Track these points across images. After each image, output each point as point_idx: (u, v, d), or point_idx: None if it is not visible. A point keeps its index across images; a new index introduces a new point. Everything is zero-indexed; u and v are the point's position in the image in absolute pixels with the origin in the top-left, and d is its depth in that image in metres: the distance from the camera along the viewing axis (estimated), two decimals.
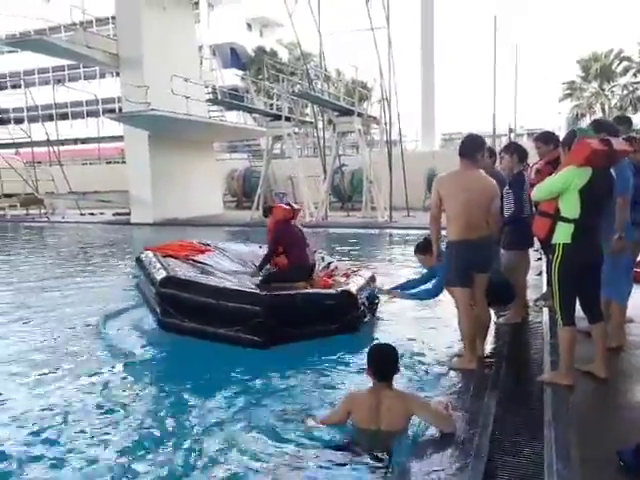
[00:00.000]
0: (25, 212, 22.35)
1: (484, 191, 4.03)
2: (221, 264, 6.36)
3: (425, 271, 5.01)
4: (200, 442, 3.26)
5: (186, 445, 3.24)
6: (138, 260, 6.28)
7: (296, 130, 18.58)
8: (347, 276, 5.97)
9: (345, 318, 5.10)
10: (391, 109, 16.66)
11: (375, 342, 3.45)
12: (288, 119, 17.74)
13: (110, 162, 30.12)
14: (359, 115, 16.63)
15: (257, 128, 20.61)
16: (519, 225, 4.84)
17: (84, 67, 38.03)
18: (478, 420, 3.23)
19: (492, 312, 5.07)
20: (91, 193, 20.65)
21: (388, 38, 16.19)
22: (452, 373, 4.12)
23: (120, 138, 21.06)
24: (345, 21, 24.70)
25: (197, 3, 29.33)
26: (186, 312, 4.99)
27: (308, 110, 21.84)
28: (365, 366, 3.29)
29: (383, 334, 5.21)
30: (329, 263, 6.71)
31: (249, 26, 43.11)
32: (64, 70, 40.26)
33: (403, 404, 3.14)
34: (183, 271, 5.58)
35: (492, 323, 5.02)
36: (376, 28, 16.21)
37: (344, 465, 2.93)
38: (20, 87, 30.25)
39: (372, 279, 6.13)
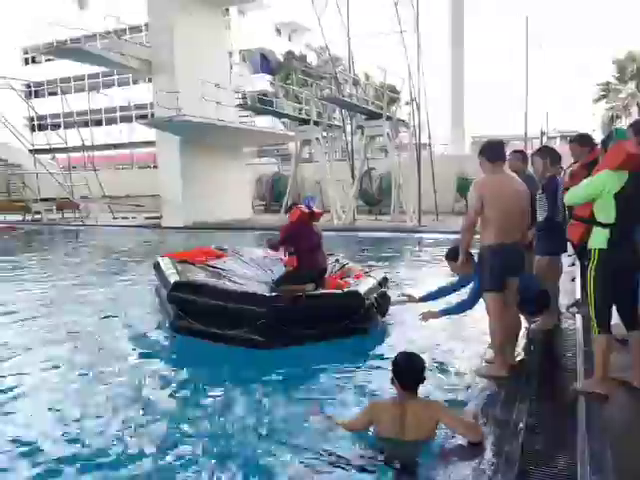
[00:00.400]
0: (61, 216, 22.95)
1: (519, 195, 4.02)
2: (235, 268, 6.50)
3: (455, 279, 4.91)
4: (218, 444, 3.29)
5: (204, 446, 3.28)
6: (155, 265, 6.44)
7: (324, 134, 18.62)
8: (358, 277, 5.96)
9: (351, 319, 5.11)
10: (420, 112, 16.56)
11: (401, 350, 3.39)
12: (317, 123, 17.81)
13: (142, 167, 30.70)
14: (388, 119, 16.57)
15: (286, 133, 20.73)
16: (552, 230, 4.74)
17: (118, 74, 38.94)
18: (508, 429, 3.17)
19: (523, 318, 4.97)
20: (124, 197, 21.12)
21: (417, 40, 16.13)
22: (481, 380, 4.04)
23: (152, 143, 21.47)
24: (374, 24, 24.69)
25: (228, 10, 29.73)
26: (195, 314, 5.19)
27: (337, 114, 21.86)
28: (390, 373, 3.23)
29: (404, 339, 5.18)
30: (343, 265, 6.68)
31: (278, 31, 43.48)
32: (99, 77, 41.29)
33: (429, 412, 3.10)
34: (194, 276, 5.72)
35: (523, 330, 4.94)
36: (405, 31, 16.17)
37: (369, 473, 2.90)
38: (57, 94, 31.12)
39: (384, 281, 6.08)
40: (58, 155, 27.34)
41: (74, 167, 24.33)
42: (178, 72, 17.30)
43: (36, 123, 32.73)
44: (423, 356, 3.37)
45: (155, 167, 22.08)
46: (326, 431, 3.33)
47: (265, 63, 38.32)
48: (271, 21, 41.46)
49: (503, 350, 4.09)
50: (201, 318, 5.16)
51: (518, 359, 4.34)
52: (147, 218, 20.37)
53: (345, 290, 5.40)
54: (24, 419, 3.77)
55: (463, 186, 18.70)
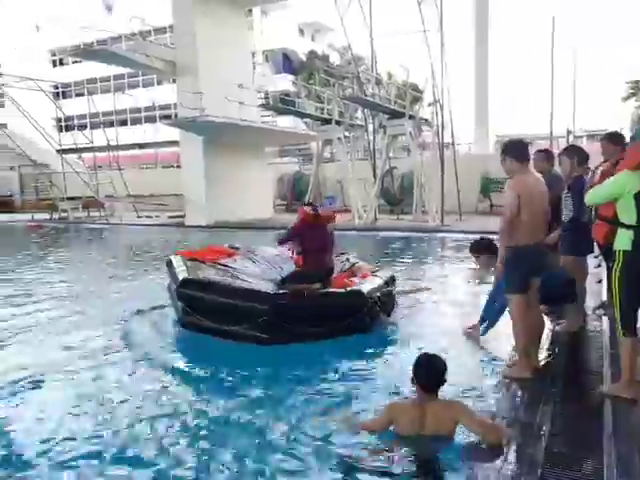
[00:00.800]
0: (86, 214, 23.37)
1: (544, 196, 4.02)
2: (245, 266, 6.59)
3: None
4: (236, 443, 3.30)
5: (224, 444, 3.29)
6: (168, 263, 6.56)
7: (346, 134, 18.60)
8: (364, 277, 5.95)
9: (353, 317, 5.10)
10: (443, 111, 16.42)
11: (423, 352, 3.38)
12: (338, 123, 17.80)
13: (166, 167, 31.08)
14: (410, 118, 16.47)
15: (308, 132, 20.78)
16: (578, 230, 4.66)
17: (143, 75, 39.50)
18: (532, 432, 3.13)
19: (548, 320, 4.90)
20: (148, 196, 21.41)
21: (440, 39, 16.00)
22: (504, 382, 4.00)
23: (176, 143, 21.73)
24: (397, 23, 24.56)
25: (251, 10, 29.91)
26: (202, 310, 5.30)
27: (359, 113, 21.82)
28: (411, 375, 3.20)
29: (413, 337, 5.15)
30: (353, 264, 6.68)
31: (301, 31, 43.60)
32: (124, 78, 41.93)
33: (449, 413, 3.07)
34: (203, 273, 5.82)
35: (548, 332, 4.87)
36: (428, 30, 16.05)
37: (389, 472, 2.90)
38: (83, 95, 31.70)
39: (391, 280, 6.06)
40: (84, 155, 27.86)
41: (99, 166, 24.77)
42: (202, 73, 17.46)
43: (63, 124, 33.38)
44: (444, 356, 3.34)
45: (179, 167, 22.34)
46: (344, 430, 3.32)
47: (287, 63, 38.44)
48: (294, 21, 41.59)
49: (527, 352, 4.04)
50: (206, 314, 5.27)
51: (542, 361, 4.28)
52: (170, 217, 20.61)
53: (348, 289, 5.42)
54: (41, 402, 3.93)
55: (487, 186, 18.51)
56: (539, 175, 4.17)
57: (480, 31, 25.64)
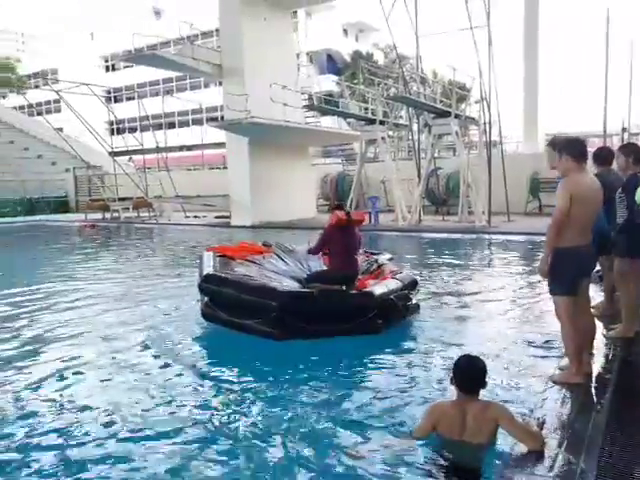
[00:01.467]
0: (136, 214, 24.10)
1: (599, 196, 3.90)
2: (272, 264, 6.73)
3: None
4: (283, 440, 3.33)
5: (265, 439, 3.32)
6: (199, 258, 6.80)
7: (390, 133, 18.45)
8: (384, 279, 5.90)
9: (363, 318, 5.13)
10: (491, 109, 16.05)
11: (464, 354, 3.36)
12: (382, 123, 17.67)
13: (213, 168, 31.68)
14: (457, 116, 16.19)
15: (351, 132, 20.72)
16: (633, 231, 4.47)
17: (190, 78, 40.44)
18: (583, 441, 3.01)
19: (601, 324, 4.73)
20: (195, 197, 21.88)
21: (488, 36, 15.62)
22: (553, 388, 3.86)
23: (222, 145, 22.10)
24: (443, 21, 24.17)
25: (295, 12, 30.13)
26: (220, 304, 5.57)
27: (403, 113, 21.61)
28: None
29: (471, 342, 5.03)
30: (380, 265, 6.60)
31: (345, 32, 43.59)
32: (172, 82, 43.05)
33: (489, 414, 3.01)
34: (228, 269, 6.05)
35: (602, 337, 4.70)
36: (475, 27, 15.71)
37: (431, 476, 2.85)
38: (134, 99, 32.72)
39: (411, 283, 5.93)
40: (134, 157, 28.76)
41: (149, 168, 25.50)
42: (247, 75, 17.70)
43: (115, 127, 34.54)
44: (488, 358, 3.27)
45: (225, 168, 22.72)
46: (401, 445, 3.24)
47: (331, 63, 38.52)
48: (338, 22, 41.63)
49: (578, 357, 3.90)
50: (223, 307, 5.51)
51: (595, 367, 4.12)
52: (217, 217, 20.99)
53: (359, 291, 5.50)
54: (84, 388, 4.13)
55: (536, 186, 17.98)
56: (592, 175, 4.03)
57: (529, 25, 24.93)
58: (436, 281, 8.18)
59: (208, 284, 5.69)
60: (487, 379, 3.12)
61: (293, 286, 5.93)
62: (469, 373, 3.09)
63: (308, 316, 5.10)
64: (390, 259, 7.33)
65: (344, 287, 5.63)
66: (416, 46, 17.82)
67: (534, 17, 24.92)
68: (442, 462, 2.96)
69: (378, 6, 16.90)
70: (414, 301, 6.00)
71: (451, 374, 3.16)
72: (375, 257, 6.99)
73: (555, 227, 3.77)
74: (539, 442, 2.96)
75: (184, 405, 3.90)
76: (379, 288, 5.48)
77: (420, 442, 3.12)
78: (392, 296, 5.41)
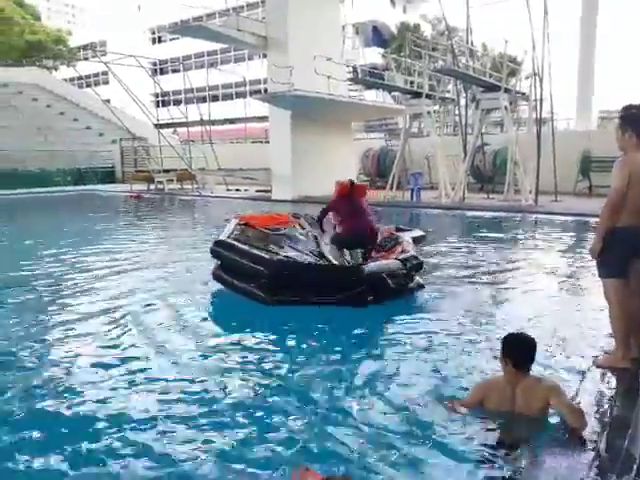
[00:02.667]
0: (180, 186, 24.52)
1: None
2: (293, 234, 7.03)
3: None
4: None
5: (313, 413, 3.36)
6: (225, 225, 7.24)
7: (436, 108, 17.98)
8: (388, 256, 6.06)
9: (348, 292, 5.29)
10: (543, 85, 15.39)
11: (512, 331, 3.36)
12: (429, 96, 17.23)
13: (255, 141, 31.81)
14: (506, 91, 15.61)
15: (396, 106, 20.31)
16: None
17: (234, 51, 40.42)
18: (628, 426, 2.90)
19: None
20: (237, 170, 22.04)
21: (544, 6, 14.90)
22: (597, 371, 3.74)
23: (265, 118, 22.09)
24: None
25: None
26: (225, 268, 6.12)
27: (450, 87, 21.01)
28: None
29: (514, 322, 4.91)
30: (398, 243, 6.60)
31: (393, 2, 42.47)
32: (217, 54, 43.15)
33: (540, 390, 3.04)
34: (243, 236, 6.51)
35: None
36: None
37: (479, 452, 2.85)
38: (179, 71, 32.97)
39: (415, 264, 5.86)
40: (179, 129, 29.13)
41: (192, 141, 25.79)
42: (291, 47, 17.51)
43: (160, 99, 34.99)
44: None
45: (267, 141, 22.74)
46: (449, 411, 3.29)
47: (377, 35, 37.71)
48: None
49: (626, 341, 3.75)
50: (227, 271, 6.07)
51: None
52: (258, 191, 21.13)
53: (347, 265, 5.94)
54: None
55: (587, 165, 17.27)
56: None
57: None
58: (476, 260, 8.01)
59: (217, 248, 6.15)
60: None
61: (299, 255, 6.21)
62: (519, 348, 3.12)
63: (296, 285, 5.39)
64: (422, 236, 7.39)
65: (359, 251, 6.24)
66: (467, 17, 17.21)
67: None
68: (491, 434, 2.98)
69: None
70: (419, 281, 6.06)
71: (500, 350, 3.19)
72: (398, 234, 7.03)
73: (610, 208, 3.61)
74: (583, 422, 2.95)
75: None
76: (374, 265, 5.63)
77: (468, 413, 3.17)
78: (384, 274, 5.52)
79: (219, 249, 6.14)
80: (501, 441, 2.93)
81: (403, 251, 6.16)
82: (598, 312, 4.79)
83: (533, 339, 3.17)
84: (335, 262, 6.06)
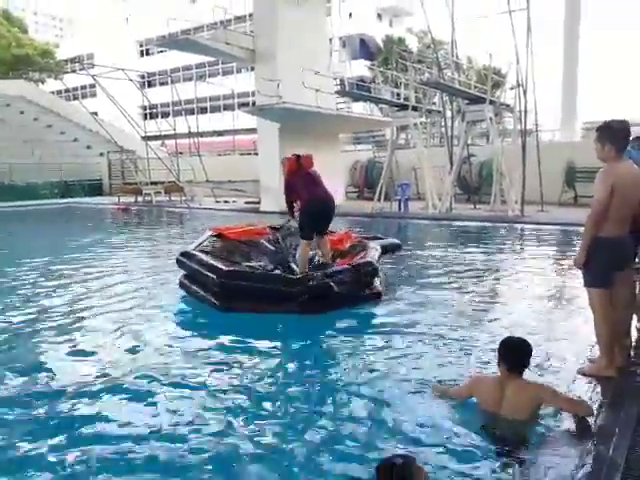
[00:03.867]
0: (168, 198, 24.45)
1: (638, 184, 3.74)
2: (265, 245, 7.32)
3: None
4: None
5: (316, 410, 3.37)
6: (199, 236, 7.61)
7: (422, 120, 18.16)
8: (342, 263, 6.29)
9: (295, 300, 5.53)
10: (527, 96, 15.62)
11: (510, 335, 3.55)
12: (415, 108, 17.41)
13: (243, 153, 31.86)
14: (491, 103, 15.82)
15: (383, 119, 20.49)
16: None
17: (223, 63, 40.59)
18: (612, 435, 2.94)
19: (637, 317, 4.59)
20: (225, 182, 22.04)
21: (527, 20, 15.17)
22: (582, 380, 3.78)
23: (253, 130, 22.15)
24: (479, 4, 23.60)
25: None
26: (189, 277, 6.49)
27: (436, 99, 21.24)
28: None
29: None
30: (361, 250, 6.82)
31: (379, 16, 43.01)
32: (205, 67, 43.28)
33: (529, 393, 3.12)
34: (212, 248, 6.88)
35: (636, 329, 4.56)
36: (514, 10, 15.25)
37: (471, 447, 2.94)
38: (167, 84, 33.04)
39: (368, 272, 6.03)
40: (167, 141, 29.11)
41: (180, 153, 25.78)
42: (279, 60, 17.64)
43: (148, 111, 34.96)
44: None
45: (256, 153, 22.78)
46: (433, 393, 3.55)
47: (364, 48, 38.06)
48: (372, 6, 41.09)
49: (611, 349, 3.80)
50: (188, 278, 6.49)
51: (630, 360, 4.01)
52: (247, 202, 21.12)
53: (285, 274, 6.11)
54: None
55: (572, 175, 17.50)
56: (632, 163, 3.89)
57: (570, 9, 24.11)
58: (461, 269, 8.07)
59: (182, 258, 6.61)
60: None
61: (262, 265, 6.67)
62: (514, 351, 3.23)
63: (244, 293, 5.69)
64: (396, 245, 7.68)
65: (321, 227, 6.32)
66: (452, 30, 17.46)
67: (575, 0, 24.08)
68: (479, 431, 3.08)
69: None
70: (378, 288, 6.17)
71: (497, 352, 3.31)
72: (367, 242, 7.19)
73: (593, 218, 3.67)
74: (588, 409, 3.11)
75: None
76: (321, 272, 5.90)
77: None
78: (331, 282, 5.67)
79: (183, 259, 6.56)
80: (491, 435, 3.02)
81: (362, 258, 6.32)
82: (583, 321, 4.84)
83: (528, 343, 3.29)
84: (297, 270, 6.27)
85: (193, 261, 6.35)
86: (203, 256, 6.40)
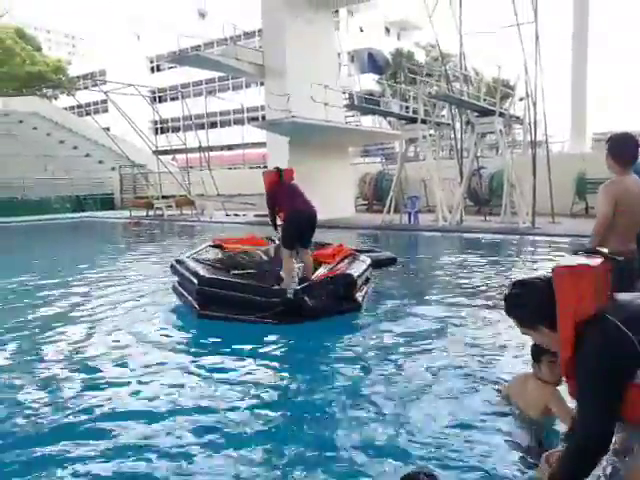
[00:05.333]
0: (179, 212, 24.62)
1: None
2: (257, 257, 7.61)
3: None
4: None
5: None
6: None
7: (432, 132, 18.22)
8: (323, 276, 6.38)
9: (269, 311, 5.67)
10: (536, 108, 15.63)
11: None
12: (424, 121, 17.47)
13: (253, 167, 32.07)
14: (501, 115, 15.85)
15: (392, 132, 20.58)
16: None
17: (232, 79, 41.02)
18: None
19: None
20: (236, 196, 22.18)
21: (535, 33, 15.22)
22: None
23: (263, 144, 22.32)
24: (487, 18, 23.73)
25: (337, 11, 30.13)
26: (181, 282, 6.77)
27: (445, 112, 21.31)
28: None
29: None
30: (351, 261, 6.94)
31: (387, 30, 43.36)
32: (215, 82, 43.77)
33: (540, 393, 3.15)
34: (199, 256, 7.20)
35: None
36: (522, 23, 15.32)
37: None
38: (177, 99, 33.41)
39: (347, 283, 6.09)
40: (177, 155, 29.40)
41: (191, 167, 25.99)
42: (289, 74, 17.82)
43: (159, 126, 35.35)
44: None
45: (265, 167, 22.92)
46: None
47: (372, 62, 38.32)
48: (381, 20, 41.43)
49: None
50: (180, 284, 6.77)
51: None
52: (256, 215, 21.20)
53: (269, 285, 6.20)
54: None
55: (583, 186, 17.43)
56: (636, 176, 3.84)
57: (579, 20, 24.17)
58: (471, 281, 8.03)
59: (175, 264, 6.91)
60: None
61: (250, 275, 6.90)
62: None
63: (220, 300, 5.89)
64: (391, 259, 7.82)
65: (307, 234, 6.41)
66: (460, 44, 17.56)
67: (584, 12, 24.14)
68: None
69: (421, 4, 16.73)
70: (358, 300, 6.19)
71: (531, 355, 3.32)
72: (357, 254, 7.30)
73: (597, 232, 3.64)
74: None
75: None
76: (297, 285, 6.09)
77: None
78: (305, 296, 5.76)
79: (176, 265, 6.88)
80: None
81: (343, 270, 6.39)
82: None
83: None
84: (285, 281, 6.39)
85: (183, 267, 6.64)
86: (191, 263, 6.67)
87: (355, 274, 6.27)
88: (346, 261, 6.98)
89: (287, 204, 6.32)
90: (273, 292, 5.90)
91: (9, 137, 33.26)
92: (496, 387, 3.74)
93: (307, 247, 6.38)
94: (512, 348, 4.71)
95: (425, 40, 39.42)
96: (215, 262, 7.18)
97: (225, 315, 5.79)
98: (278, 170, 6.54)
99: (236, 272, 6.94)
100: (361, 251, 7.84)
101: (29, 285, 8.63)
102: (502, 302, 2.54)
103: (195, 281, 6.03)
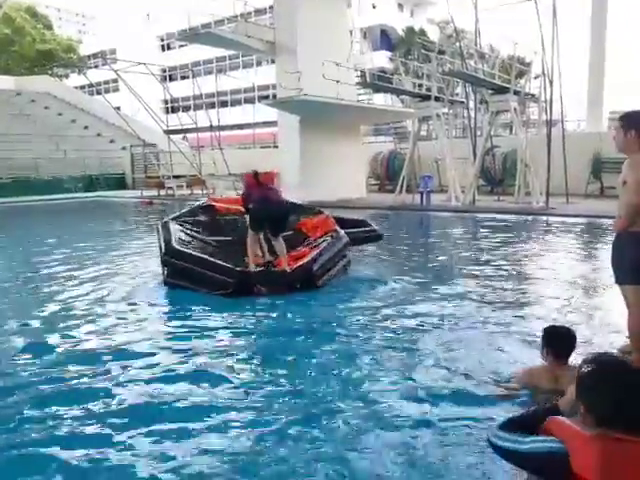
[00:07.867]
0: (190, 192, 24.62)
1: None
2: (235, 221, 7.88)
3: None
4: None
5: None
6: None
7: (445, 110, 17.94)
8: (298, 254, 6.81)
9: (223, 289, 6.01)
10: (552, 86, 15.30)
11: (550, 324, 3.55)
12: (437, 99, 17.20)
13: (264, 146, 31.89)
14: (516, 93, 15.55)
15: (405, 110, 20.30)
16: None
17: (243, 57, 40.63)
18: None
19: None
20: None
21: (553, 7, 14.84)
22: None
23: (274, 123, 22.14)
24: None
25: None
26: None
27: (458, 89, 20.95)
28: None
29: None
30: (314, 244, 7.06)
31: (400, 6, 42.54)
32: (225, 60, 43.39)
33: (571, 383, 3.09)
34: (187, 216, 7.70)
35: None
36: None
37: None
38: (188, 78, 33.19)
39: (302, 267, 6.31)
40: (188, 135, 29.29)
41: (202, 146, 25.89)
42: (300, 52, 17.57)
43: (170, 105, 35.20)
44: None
45: (276, 146, 22.79)
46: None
47: (385, 39, 37.75)
48: None
49: None
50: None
51: None
52: None
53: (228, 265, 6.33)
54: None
55: (598, 166, 17.14)
56: None
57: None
58: (484, 262, 7.95)
59: (159, 227, 7.16)
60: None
61: (225, 240, 7.41)
62: (561, 341, 3.29)
63: (181, 272, 6.32)
64: (376, 236, 7.80)
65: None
66: (475, 20, 17.18)
67: None
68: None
69: None
70: (320, 284, 6.37)
71: (541, 342, 3.35)
72: (337, 231, 7.19)
73: (634, 210, 3.49)
74: None
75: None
76: (259, 264, 6.61)
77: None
78: (257, 283, 6.14)
79: (159, 228, 7.13)
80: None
81: (307, 258, 6.48)
82: (616, 316, 4.72)
83: (572, 330, 3.35)
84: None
85: (165, 230, 6.91)
86: (173, 227, 7.00)
87: (319, 264, 6.40)
88: (324, 241, 7.00)
89: (255, 201, 6.92)
90: (228, 271, 6.14)
91: (21, 117, 33.33)
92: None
93: (276, 236, 6.80)
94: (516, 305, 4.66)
95: (439, 16, 38.65)
96: (199, 226, 7.55)
97: (186, 285, 6.22)
98: (255, 173, 7.18)
99: (215, 238, 7.38)
100: (345, 221, 7.82)
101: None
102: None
103: (163, 250, 6.45)
